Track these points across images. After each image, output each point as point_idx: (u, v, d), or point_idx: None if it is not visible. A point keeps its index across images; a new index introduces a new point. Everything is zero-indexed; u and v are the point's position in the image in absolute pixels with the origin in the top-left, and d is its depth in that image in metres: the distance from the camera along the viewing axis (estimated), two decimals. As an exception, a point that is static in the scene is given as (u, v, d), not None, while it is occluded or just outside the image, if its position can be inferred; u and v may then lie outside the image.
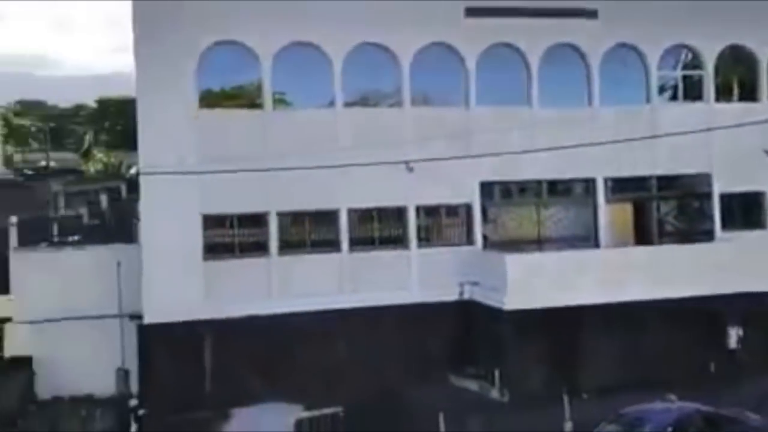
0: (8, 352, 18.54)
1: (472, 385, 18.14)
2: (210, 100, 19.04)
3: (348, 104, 19.55)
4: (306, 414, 15.02)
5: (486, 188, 20.24)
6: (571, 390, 15.43)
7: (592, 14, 20.59)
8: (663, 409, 13.08)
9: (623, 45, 21.10)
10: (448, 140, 18.76)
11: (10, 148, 41.82)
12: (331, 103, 19.50)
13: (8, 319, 19.09)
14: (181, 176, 17.49)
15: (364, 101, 20.07)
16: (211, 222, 18.50)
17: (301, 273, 18.45)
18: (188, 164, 17.62)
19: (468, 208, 20.09)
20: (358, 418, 15.14)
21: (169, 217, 17.81)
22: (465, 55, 20.03)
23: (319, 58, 19.22)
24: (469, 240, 20.02)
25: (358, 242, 19.26)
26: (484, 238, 20.19)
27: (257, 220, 18.87)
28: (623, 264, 18.16)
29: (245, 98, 19.58)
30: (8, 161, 40.32)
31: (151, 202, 18.10)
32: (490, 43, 20.11)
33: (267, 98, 19.12)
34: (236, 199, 18.25)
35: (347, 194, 19.01)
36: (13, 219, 19.91)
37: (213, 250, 18.34)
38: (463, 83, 20.10)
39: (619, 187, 21.26)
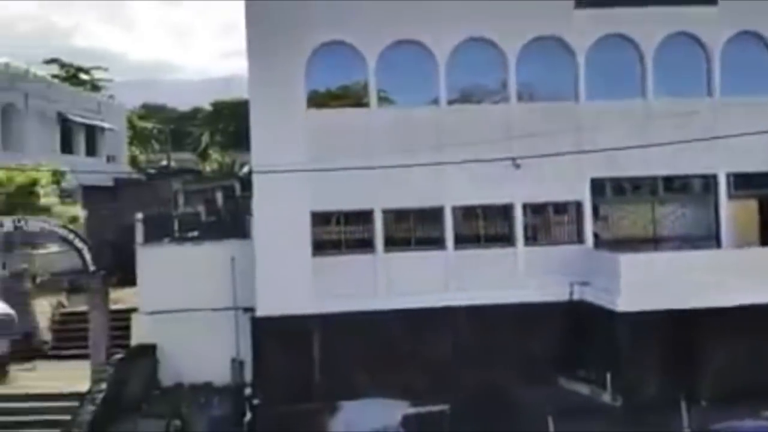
0: (135, 340, 19.76)
1: (583, 389, 17.60)
2: (317, 99, 19.49)
3: (452, 101, 19.47)
4: (412, 410, 15.09)
5: (597, 185, 19.54)
6: (688, 397, 14.65)
7: (711, 1, 19.42)
8: (755, 427, 12.10)
9: (745, 33, 19.74)
10: (557, 136, 18.20)
11: (135, 149, 44.72)
12: (435, 101, 19.49)
13: (135, 310, 20.41)
14: (291, 174, 18.06)
15: (467, 98, 19.92)
16: (319, 219, 18.98)
17: (407, 270, 18.54)
18: (298, 162, 18.17)
19: (578, 205, 19.49)
20: (465, 416, 15.06)
21: (280, 214, 18.45)
22: (575, 48, 19.43)
23: (423, 55, 19.26)
24: (579, 238, 19.40)
25: (464, 240, 19.09)
26: (595, 236, 19.52)
27: (363, 217, 19.14)
28: (746, 265, 17.05)
29: (350, 97, 19.91)
30: (133, 161, 43.14)
31: (263, 199, 18.79)
32: (601, 34, 19.39)
33: (372, 97, 19.36)
34: (343, 196, 18.59)
35: (452, 192, 18.92)
36: (139, 216, 21.20)
37: (321, 247, 18.80)
38: (573, 77, 19.51)
39: (743, 182, 19.91)
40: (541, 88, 19.77)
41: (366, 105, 19.43)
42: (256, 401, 17.12)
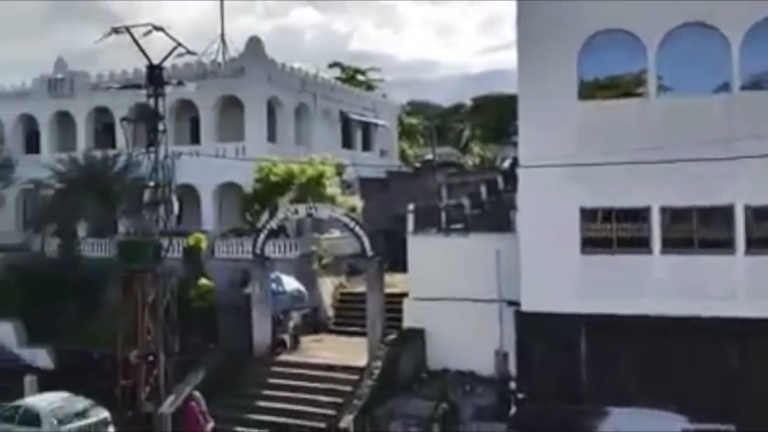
0: (406, 324, 21.09)
1: None
2: (588, 90, 18.79)
3: (744, 88, 17.40)
4: (691, 426, 13.91)
5: None
6: None
7: None
8: None
9: None
10: None
11: (403, 144, 47.46)
12: (721, 89, 17.57)
13: (405, 294, 21.76)
14: (559, 168, 17.74)
15: (758, 85, 17.63)
16: (589, 215, 18.33)
17: (687, 275, 17.12)
18: (567, 156, 17.74)
19: None
20: (754, 440, 13.51)
21: (547, 209, 18.22)
22: None
23: (711, 39, 17.49)
24: None
25: (758, 244, 17.04)
26: None
27: (637, 214, 18.07)
28: None
29: (623, 87, 18.88)
30: (402, 155, 45.83)
31: (529, 193, 18.71)
32: None
33: (651, 86, 18.11)
34: (616, 192, 17.75)
35: (744, 189, 16.95)
36: (411, 206, 22.52)
37: (590, 244, 18.14)
38: None
39: None
40: None
41: (641, 95, 18.26)
42: (520, 395, 17.19)
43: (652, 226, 17.68)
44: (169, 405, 19.22)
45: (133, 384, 20.35)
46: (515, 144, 35.90)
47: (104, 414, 18.50)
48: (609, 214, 18.33)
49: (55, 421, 17.73)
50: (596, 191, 17.86)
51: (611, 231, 18.30)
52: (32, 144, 35.90)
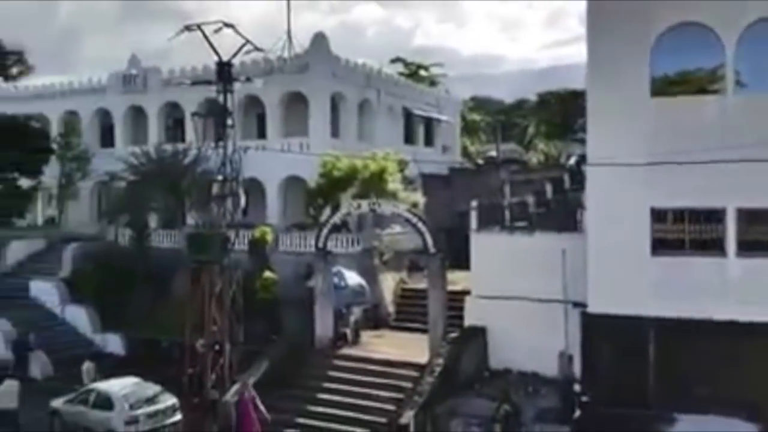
0: (468, 322, 20.96)
1: None
2: (661, 87, 18.17)
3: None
4: (765, 436, 13.35)
5: None
6: None
7: None
8: None
9: None
10: None
11: (465, 140, 47.13)
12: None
13: (467, 292, 21.62)
14: (629, 167, 17.27)
15: None
16: (660, 215, 17.76)
17: (764, 278, 16.39)
18: (637, 155, 17.26)
19: None
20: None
21: (616, 209, 17.75)
22: None
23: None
24: None
25: None
26: None
27: (711, 215, 17.39)
28: None
29: (698, 84, 18.17)
30: (465, 152, 45.53)
31: (597, 192, 18.27)
32: None
33: (728, 83, 17.38)
34: (689, 192, 17.11)
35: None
36: (474, 203, 22.33)
37: (661, 245, 17.57)
38: None
39: None
40: None
41: (717, 92, 17.56)
42: (585, 398, 16.83)
43: (727, 227, 17.00)
44: (233, 393, 19.67)
45: (199, 372, 20.91)
46: (581, 141, 35.22)
47: (172, 400, 19.08)
48: (681, 215, 17.69)
49: (127, 406, 18.40)
50: (668, 191, 17.28)
51: (683, 232, 17.66)
52: (107, 138, 37.38)
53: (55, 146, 34.80)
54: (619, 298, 17.20)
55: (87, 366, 22.41)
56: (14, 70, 45.28)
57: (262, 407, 18.28)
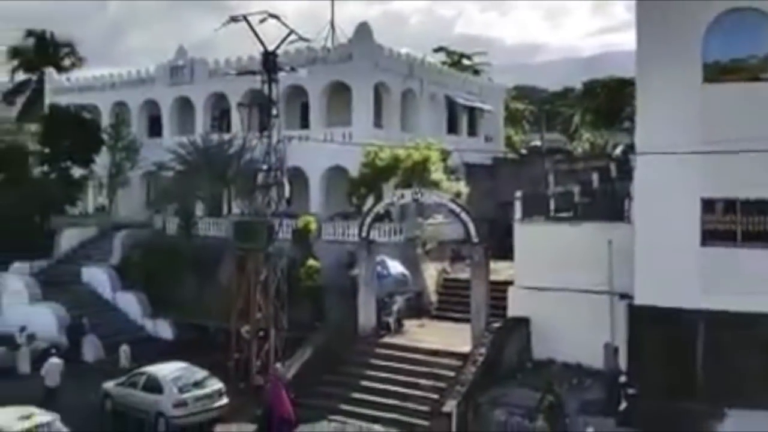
0: (511, 312, 20.83)
1: None
2: (713, 74, 17.69)
3: None
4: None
5: None
6: None
7: None
8: None
9: None
10: None
11: (509, 130, 46.59)
12: None
13: (510, 283, 21.48)
14: (679, 156, 16.89)
15: None
16: (710, 206, 17.35)
17: (821, 271, 15.92)
18: (688, 143, 16.87)
19: None
20: None
21: (665, 199, 17.40)
22: None
23: None
24: None
25: None
26: None
27: (764, 206, 16.89)
28: None
29: (752, 70, 17.59)
30: (508, 141, 45.04)
31: (645, 182, 17.94)
32: None
33: (786, 69, 16.85)
34: (741, 182, 16.69)
35: None
36: (518, 193, 22.14)
37: (711, 236, 17.18)
38: None
39: None
40: None
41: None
42: (631, 391, 16.58)
43: (782, 218, 16.51)
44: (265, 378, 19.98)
45: (245, 357, 21.33)
46: (628, 130, 34.54)
47: (219, 385, 19.48)
48: (732, 206, 17.25)
49: (176, 389, 18.86)
50: (719, 181, 16.89)
51: (735, 223, 17.21)
52: (155, 128, 38.19)
53: (105, 136, 35.73)
54: (667, 289, 16.87)
55: (123, 348, 23.08)
56: (67, 63, 46.83)
57: (286, 390, 18.64)
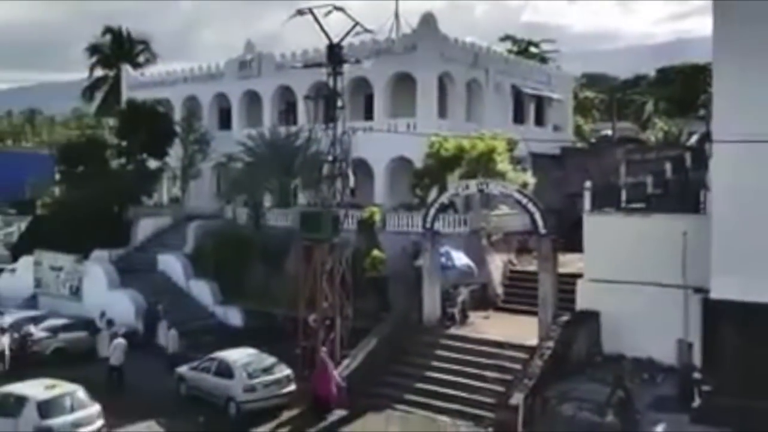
0: (579, 305, 20.42)
1: None
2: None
3: None
4: None
5: None
6: None
7: None
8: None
9: None
10: None
11: (578, 119, 45.47)
12: None
13: (579, 275, 21.05)
14: (759, 144, 16.12)
15: None
16: (793, 196, 16.52)
17: None
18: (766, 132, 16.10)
19: None
20: None
21: (744, 189, 16.65)
22: None
23: None
24: None
25: None
26: None
27: None
28: None
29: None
30: (577, 131, 43.97)
31: (723, 171, 17.23)
32: None
33: None
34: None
35: None
36: (588, 184, 21.63)
37: (794, 228, 16.39)
38: None
39: None
40: None
41: None
42: (706, 388, 16.01)
43: None
44: (344, 368, 20.29)
45: (311, 346, 21.72)
46: (703, 118, 33.17)
47: (287, 371, 19.93)
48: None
49: (245, 375, 19.41)
50: (802, 170, 16.02)
51: (822, 214, 16.35)
52: (225, 121, 39.18)
53: (178, 129, 36.91)
54: (745, 283, 16.14)
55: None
56: (142, 59, 48.59)
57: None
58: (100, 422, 17.46)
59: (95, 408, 17.48)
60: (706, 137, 22.15)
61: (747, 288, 16.09)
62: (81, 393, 17.54)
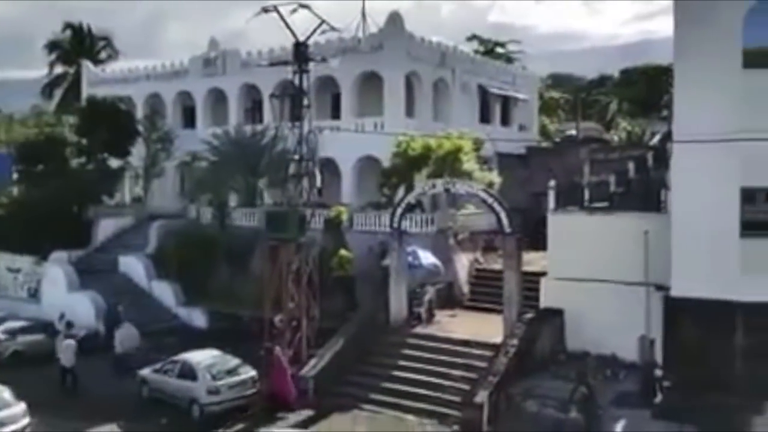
0: (543, 303, 20.59)
1: None
2: (754, 59, 17.17)
3: None
4: None
5: None
6: None
7: None
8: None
9: None
10: None
11: (543, 119, 45.93)
12: None
13: (543, 274, 21.23)
14: (718, 144, 16.49)
15: None
16: (751, 195, 16.93)
17: None
18: (728, 131, 16.47)
19: None
20: None
21: (703, 188, 17.02)
22: None
23: None
24: None
25: None
26: None
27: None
28: None
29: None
30: (543, 130, 44.42)
31: (683, 171, 17.55)
32: None
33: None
34: (784, 171, 16.23)
35: None
36: (552, 183, 21.82)
37: (751, 227, 16.77)
38: None
39: None
40: None
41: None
42: (667, 383, 16.28)
43: (827, 208, 16.00)
44: (311, 368, 20.14)
45: (278, 346, 21.46)
46: (666, 119, 33.78)
47: (252, 372, 19.69)
48: (772, 195, 16.82)
49: (209, 376, 19.12)
50: (760, 169, 16.42)
51: (776, 213, 16.78)
52: (189, 119, 38.68)
53: (140, 128, 36.27)
54: (705, 280, 16.51)
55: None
56: (103, 55, 47.70)
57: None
58: (25, 420, 17.47)
59: (20, 407, 17.52)
60: (668, 137, 22.55)
61: (705, 285, 16.43)
62: (6, 393, 17.63)
